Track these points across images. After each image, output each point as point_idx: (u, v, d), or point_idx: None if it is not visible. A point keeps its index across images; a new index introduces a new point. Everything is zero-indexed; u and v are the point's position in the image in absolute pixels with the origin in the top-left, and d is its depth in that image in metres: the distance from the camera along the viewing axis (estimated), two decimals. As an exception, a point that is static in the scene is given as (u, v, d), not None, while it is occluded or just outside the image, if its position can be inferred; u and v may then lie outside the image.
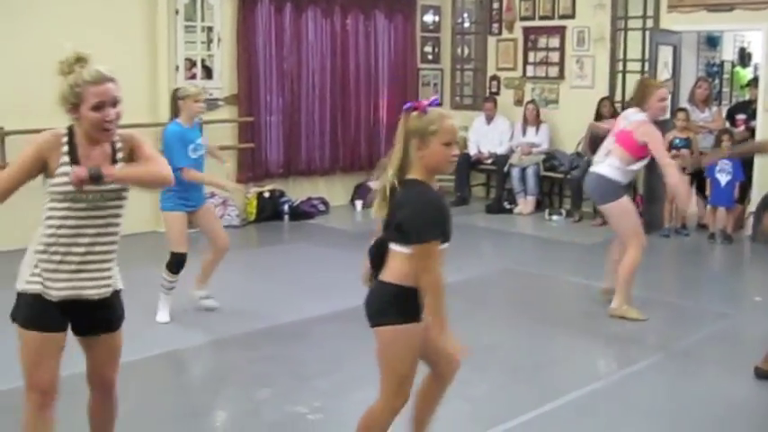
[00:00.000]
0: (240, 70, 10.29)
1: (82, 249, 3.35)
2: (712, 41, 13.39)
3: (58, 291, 3.34)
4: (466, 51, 12.96)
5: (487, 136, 11.98)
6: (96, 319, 3.48)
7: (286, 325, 6.39)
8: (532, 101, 11.78)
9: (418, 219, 3.38)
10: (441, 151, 3.42)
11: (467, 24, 12.90)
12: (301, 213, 10.72)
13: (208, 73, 10.20)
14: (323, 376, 5.35)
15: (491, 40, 12.52)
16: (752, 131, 10.05)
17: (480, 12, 12.60)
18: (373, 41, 11.78)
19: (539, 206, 11.47)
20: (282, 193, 10.69)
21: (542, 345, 6.16)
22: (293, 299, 7.07)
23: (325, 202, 11.20)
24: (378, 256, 3.54)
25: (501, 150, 11.79)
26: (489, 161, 11.87)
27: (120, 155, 3.40)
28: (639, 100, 6.72)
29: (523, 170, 11.44)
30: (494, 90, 12.51)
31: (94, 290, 3.41)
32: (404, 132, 3.46)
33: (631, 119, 6.64)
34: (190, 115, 6.32)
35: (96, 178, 3.24)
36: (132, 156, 3.44)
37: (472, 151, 11.99)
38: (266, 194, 10.49)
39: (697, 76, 11.45)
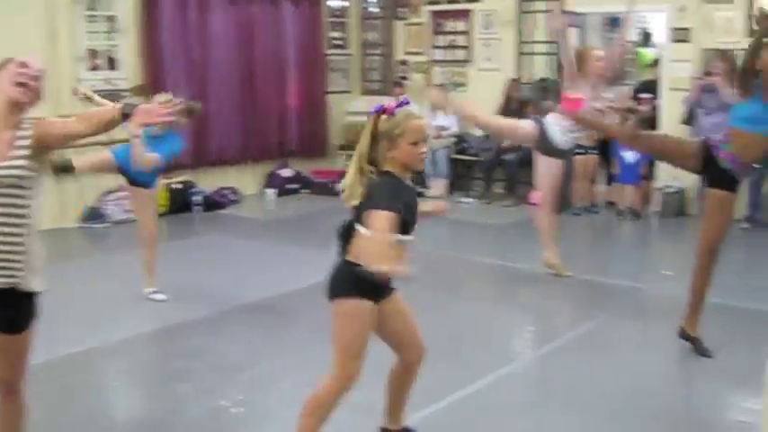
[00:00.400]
0: (145, 60, 10.09)
1: None
2: (616, 22, 13.59)
3: None
4: (373, 36, 12.94)
5: (398, 120, 11.96)
6: None
7: (203, 318, 6.30)
8: (441, 84, 11.83)
9: (381, 194, 3.52)
10: (409, 150, 3.60)
11: (373, 9, 12.87)
12: (213, 204, 10.59)
13: (111, 64, 9.96)
14: (244, 369, 5.28)
15: (398, 25, 12.54)
16: (656, 109, 10.26)
17: (386, -4, 12.60)
18: (280, 29, 11.65)
19: (449, 188, 11.55)
20: (193, 184, 10.54)
21: (460, 326, 6.19)
22: (209, 291, 6.97)
23: (236, 192, 11.08)
24: (345, 238, 3.69)
25: (411, 134, 11.79)
26: (400, 145, 11.87)
27: (24, 141, 3.29)
28: (579, 68, 7.18)
29: (434, 153, 11.49)
30: (402, 74, 12.52)
31: None
32: (370, 133, 3.63)
33: None
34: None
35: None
36: (44, 142, 3.34)
37: (382, 136, 11.96)
38: (177, 186, 10.33)
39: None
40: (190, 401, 4.86)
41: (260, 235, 8.82)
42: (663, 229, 9.70)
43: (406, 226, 3.58)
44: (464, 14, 11.78)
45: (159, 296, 6.67)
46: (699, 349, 5.47)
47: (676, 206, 9.90)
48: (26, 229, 3.32)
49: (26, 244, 3.32)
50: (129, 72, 10.01)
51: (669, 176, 10.00)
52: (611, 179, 10.49)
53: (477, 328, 6.25)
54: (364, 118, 11.46)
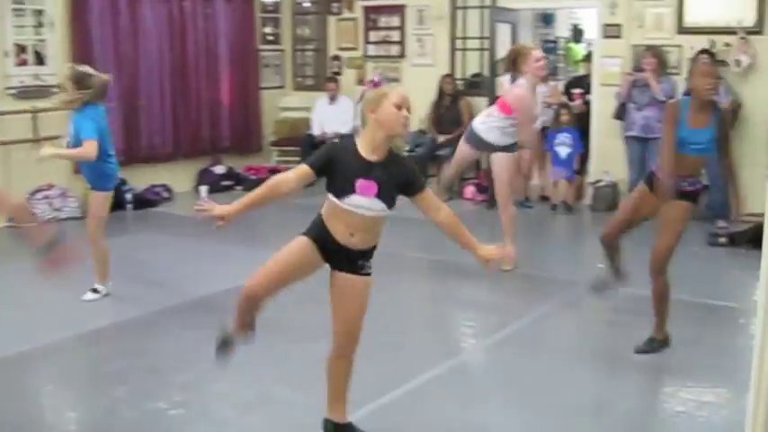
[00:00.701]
0: (74, 55, 9.85)
1: None
2: (548, 19, 13.77)
3: None
4: (306, 32, 12.87)
5: (331, 116, 11.93)
6: None
7: (137, 318, 6.19)
8: (375, 80, 11.81)
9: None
10: (393, 112, 3.77)
11: (306, 4, 12.80)
12: (145, 201, 10.42)
13: (39, 59, 9.73)
14: (181, 370, 5.19)
15: (331, 20, 12.49)
16: (588, 105, 10.37)
17: (320, -8, 12.54)
18: (212, 23, 11.52)
19: (384, 184, 11.52)
20: (124, 182, 10.33)
21: (395, 323, 6.13)
22: (143, 291, 6.85)
23: (168, 189, 10.93)
24: None
25: (345, 130, 11.77)
26: (334, 141, 11.82)
27: None
28: (515, 66, 7.28)
29: (369, 149, 11.45)
30: (335, 70, 12.48)
31: None
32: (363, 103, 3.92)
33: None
34: None
35: None
36: None
37: (316, 131, 11.93)
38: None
39: (534, 52, 11.69)
40: (126, 404, 4.76)
41: (193, 233, 8.68)
42: (595, 223, 9.78)
43: (337, 189, 3.81)
44: (398, 10, 11.78)
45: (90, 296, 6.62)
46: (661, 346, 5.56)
47: (608, 200, 10.02)
48: None
49: None
50: (58, 67, 9.77)
51: (601, 171, 10.14)
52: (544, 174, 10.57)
53: (416, 324, 6.25)
54: (297, 114, 11.64)
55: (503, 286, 6.99)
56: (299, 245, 3.93)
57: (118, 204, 9.96)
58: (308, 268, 3.99)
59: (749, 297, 6.98)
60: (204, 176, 11.44)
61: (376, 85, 3.86)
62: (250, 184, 11.43)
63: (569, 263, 7.91)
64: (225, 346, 4.26)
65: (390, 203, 3.85)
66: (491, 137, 7.26)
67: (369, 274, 4.02)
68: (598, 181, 10.14)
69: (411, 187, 3.92)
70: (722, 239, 8.25)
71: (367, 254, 3.98)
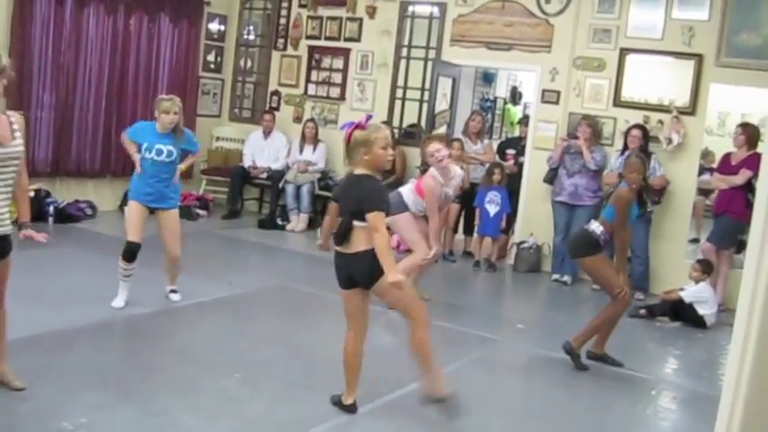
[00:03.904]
0: (13, 59, 9.64)
1: None
2: (488, 78, 13.95)
3: None
4: (249, 64, 12.85)
5: (264, 150, 11.91)
6: None
7: (50, 334, 6.00)
8: (312, 119, 11.82)
9: (375, 197, 4.77)
10: (381, 153, 4.80)
11: (252, 37, 12.80)
12: (67, 216, 10.20)
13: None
14: (89, 390, 5.04)
15: (275, 55, 12.50)
16: (520, 167, 10.50)
17: (267, 26, 12.56)
18: (156, 44, 11.42)
19: (311, 224, 11.51)
20: (48, 194, 10.14)
21: (316, 362, 6.09)
22: (58, 307, 6.64)
23: (92, 206, 10.72)
24: (342, 235, 4.87)
25: (276, 166, 11.75)
26: (264, 176, 11.79)
27: (15, 126, 4.59)
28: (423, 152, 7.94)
29: (298, 188, 11.44)
30: (273, 105, 12.47)
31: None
32: (346, 143, 4.86)
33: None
34: (163, 125, 6.88)
35: None
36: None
37: (247, 164, 11.87)
38: (30, 194, 9.87)
39: (472, 109, 11.86)
40: (28, 422, 4.59)
41: (114, 252, 8.50)
42: (516, 283, 9.89)
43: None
44: (342, 52, 11.84)
45: (175, 296, 7.21)
46: (612, 362, 6.59)
47: (530, 261, 10.12)
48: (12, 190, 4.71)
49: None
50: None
51: (526, 233, 10.24)
52: (471, 229, 10.63)
53: (332, 366, 6.17)
54: (230, 144, 11.63)
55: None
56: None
57: (39, 216, 9.78)
58: None
59: (661, 368, 7.11)
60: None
61: (362, 126, 4.58)
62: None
63: (487, 320, 7.91)
64: None
65: None
66: (409, 203, 7.75)
67: None
68: (522, 242, 10.24)
69: None
70: (641, 311, 8.39)
71: None
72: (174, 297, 7.22)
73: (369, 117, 4.94)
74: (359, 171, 4.84)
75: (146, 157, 6.86)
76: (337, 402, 5.12)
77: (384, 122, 11.01)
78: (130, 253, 6.81)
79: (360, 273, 4.85)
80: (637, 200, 6.41)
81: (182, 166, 7.16)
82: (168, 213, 7.02)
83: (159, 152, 6.85)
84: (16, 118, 4.65)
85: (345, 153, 4.92)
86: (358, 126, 4.83)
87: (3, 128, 4.49)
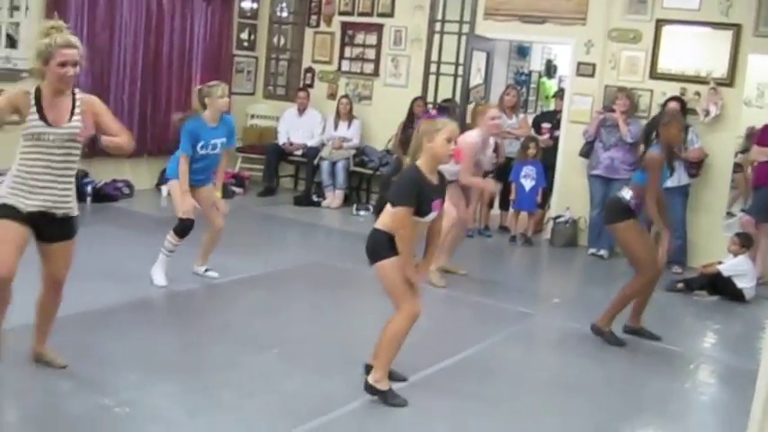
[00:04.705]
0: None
1: (47, 177, 4.50)
2: (522, 51, 13.86)
3: (26, 206, 4.48)
4: (282, 41, 12.86)
5: (299, 127, 11.92)
6: (57, 231, 4.65)
7: (89, 312, 6.05)
8: (346, 96, 11.81)
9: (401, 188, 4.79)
10: (444, 144, 4.74)
11: (284, 14, 12.79)
12: (105, 196, 10.29)
13: (11, 42, 9.61)
14: (129, 367, 5.09)
15: (308, 32, 12.49)
16: (555, 140, 10.44)
17: (299, 3, 12.53)
18: (189, 24, 11.42)
19: (346, 200, 11.54)
20: (86, 174, 10.22)
21: (352, 339, 6.11)
22: (96, 285, 6.68)
23: (129, 186, 10.80)
24: (378, 209, 5.11)
25: (312, 143, 11.77)
26: (299, 153, 11.82)
27: (77, 110, 4.56)
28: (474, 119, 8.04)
29: (333, 164, 11.45)
30: (308, 82, 12.47)
31: (59, 209, 4.60)
32: (419, 132, 4.85)
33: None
34: (218, 110, 6.98)
35: (95, 139, 4.62)
36: (94, 117, 4.63)
37: (281, 141, 11.90)
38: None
39: (507, 83, 11.79)
40: (70, 399, 4.65)
41: (152, 231, 8.57)
42: (552, 257, 9.86)
43: (421, 211, 4.75)
44: (375, 28, 11.80)
45: (213, 273, 7.29)
46: (649, 336, 6.60)
47: (567, 236, 10.07)
48: (74, 172, 4.75)
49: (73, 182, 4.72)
50: (31, 52, 9.63)
51: (562, 207, 10.20)
52: (506, 204, 10.60)
53: (368, 342, 6.20)
54: (265, 122, 11.66)
55: (455, 312, 6.99)
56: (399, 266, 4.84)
57: (77, 196, 9.84)
58: None
59: (699, 343, 7.08)
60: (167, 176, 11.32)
61: (432, 117, 4.67)
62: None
63: (524, 295, 7.90)
64: None
65: None
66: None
67: None
68: (559, 216, 10.20)
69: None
70: (679, 285, 8.31)
71: None
72: (212, 274, 7.27)
73: (440, 110, 5.19)
74: (416, 162, 4.83)
75: (200, 153, 6.92)
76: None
77: (418, 98, 10.98)
78: (185, 228, 6.90)
79: (366, 246, 4.95)
80: (667, 163, 6.34)
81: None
82: (206, 188, 7.11)
83: (214, 146, 6.98)
84: (85, 100, 4.64)
85: (411, 147, 4.94)
86: (429, 117, 4.97)
87: (61, 111, 4.50)
